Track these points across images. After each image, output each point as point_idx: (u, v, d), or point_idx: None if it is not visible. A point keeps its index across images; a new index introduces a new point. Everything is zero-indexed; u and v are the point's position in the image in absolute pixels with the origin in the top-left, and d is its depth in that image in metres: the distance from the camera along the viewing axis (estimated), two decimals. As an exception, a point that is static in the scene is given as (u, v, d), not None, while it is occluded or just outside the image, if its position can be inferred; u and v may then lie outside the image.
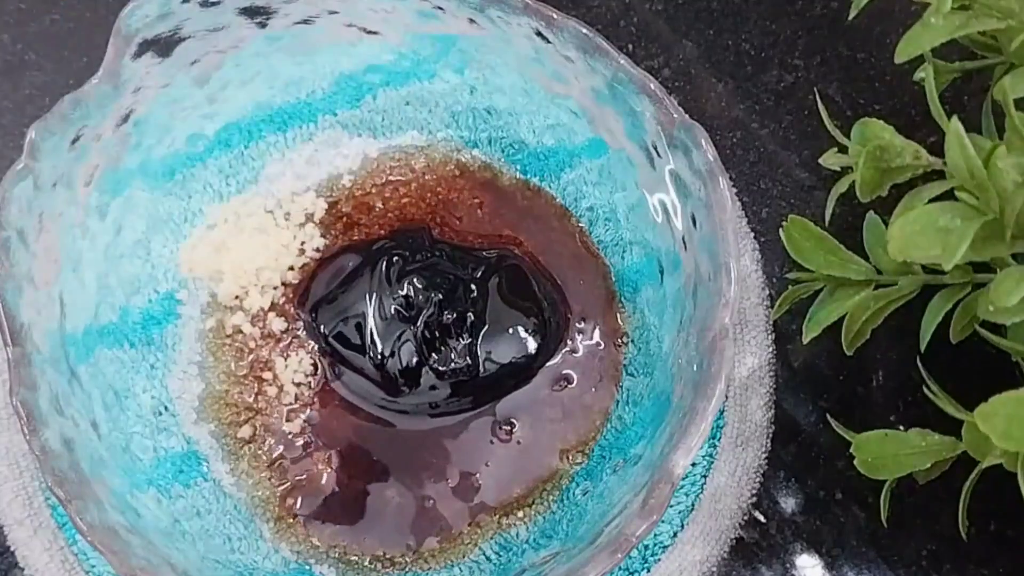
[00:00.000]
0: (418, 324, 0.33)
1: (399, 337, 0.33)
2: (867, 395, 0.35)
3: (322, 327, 0.33)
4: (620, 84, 0.30)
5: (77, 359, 0.31)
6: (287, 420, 0.33)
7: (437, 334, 0.33)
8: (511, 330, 0.33)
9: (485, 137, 0.36)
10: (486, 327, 0.33)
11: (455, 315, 0.33)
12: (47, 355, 0.30)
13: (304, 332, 0.34)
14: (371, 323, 0.33)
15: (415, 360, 0.33)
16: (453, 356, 0.33)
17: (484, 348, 0.33)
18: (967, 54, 0.32)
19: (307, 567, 0.32)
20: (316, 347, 0.34)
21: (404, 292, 0.33)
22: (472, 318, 0.33)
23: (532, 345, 0.33)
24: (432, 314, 0.33)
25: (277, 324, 0.34)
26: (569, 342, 0.34)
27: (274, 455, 0.33)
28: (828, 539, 0.34)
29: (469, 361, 0.33)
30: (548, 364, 0.34)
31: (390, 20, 0.33)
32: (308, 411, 0.34)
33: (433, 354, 0.33)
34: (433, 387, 0.33)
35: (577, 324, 0.34)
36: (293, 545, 0.32)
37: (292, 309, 0.34)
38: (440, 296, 0.33)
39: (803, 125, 0.37)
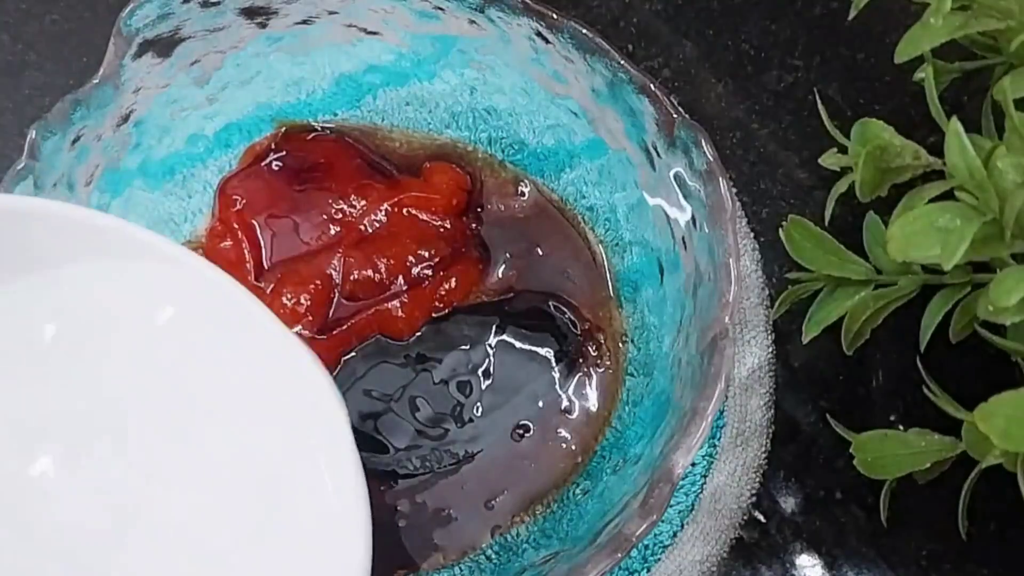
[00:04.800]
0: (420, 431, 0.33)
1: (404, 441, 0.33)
2: (867, 395, 0.35)
3: None
4: (620, 84, 0.30)
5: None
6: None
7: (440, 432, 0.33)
8: (528, 385, 0.33)
9: (485, 137, 0.36)
10: (499, 391, 0.33)
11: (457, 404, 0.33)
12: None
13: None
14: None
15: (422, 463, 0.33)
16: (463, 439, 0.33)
17: (501, 413, 0.33)
18: (967, 54, 0.32)
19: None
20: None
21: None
22: (481, 393, 0.33)
23: (556, 386, 0.34)
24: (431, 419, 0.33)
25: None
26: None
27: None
28: (828, 539, 0.34)
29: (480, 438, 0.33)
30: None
31: (390, 20, 0.33)
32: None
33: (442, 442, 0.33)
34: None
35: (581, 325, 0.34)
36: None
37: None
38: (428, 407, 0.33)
39: (803, 125, 0.37)
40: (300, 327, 0.33)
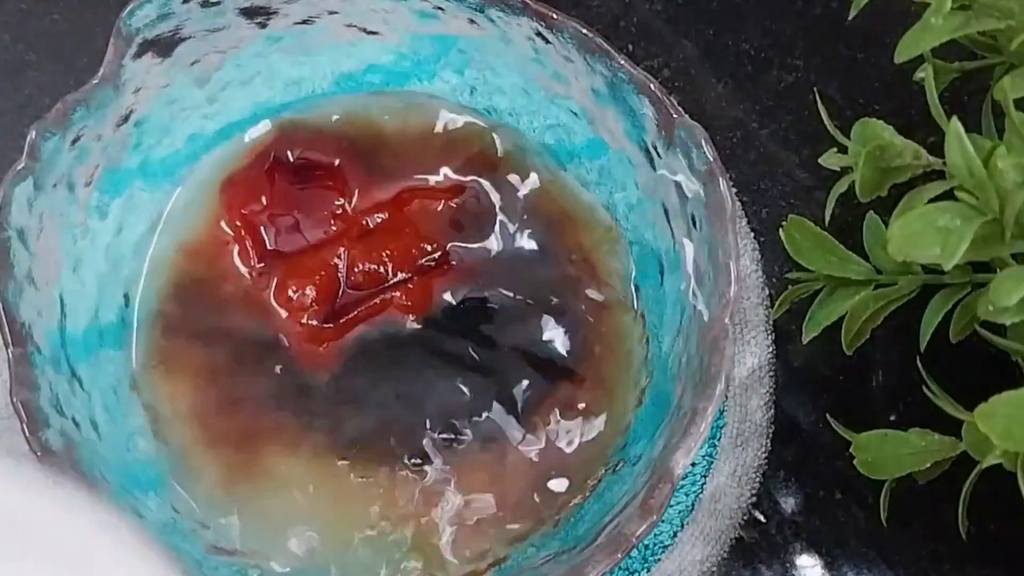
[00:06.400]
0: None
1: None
2: (867, 395, 0.35)
3: None
4: (620, 84, 0.30)
5: (77, 359, 0.31)
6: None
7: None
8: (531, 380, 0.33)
9: (485, 137, 0.36)
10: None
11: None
12: (47, 355, 0.30)
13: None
14: None
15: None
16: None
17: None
18: (967, 54, 0.32)
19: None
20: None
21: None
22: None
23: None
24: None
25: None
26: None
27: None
28: (828, 539, 0.34)
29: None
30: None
31: (390, 20, 0.33)
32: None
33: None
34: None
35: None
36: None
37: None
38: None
39: (803, 125, 0.37)
40: (307, 318, 0.33)
